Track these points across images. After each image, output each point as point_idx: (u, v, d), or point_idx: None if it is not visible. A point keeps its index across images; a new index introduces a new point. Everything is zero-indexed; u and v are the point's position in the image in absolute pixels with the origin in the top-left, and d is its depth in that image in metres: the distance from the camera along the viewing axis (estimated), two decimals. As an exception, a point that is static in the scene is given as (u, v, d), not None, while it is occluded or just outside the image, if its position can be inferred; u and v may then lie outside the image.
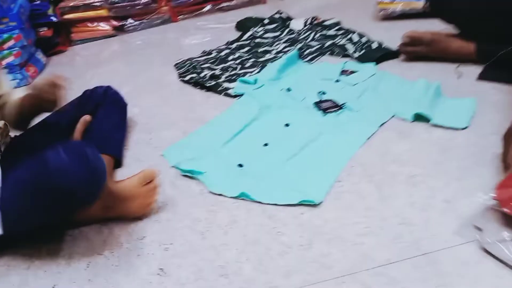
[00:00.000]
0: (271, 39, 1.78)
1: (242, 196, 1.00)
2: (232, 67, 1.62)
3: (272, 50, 1.70)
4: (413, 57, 1.41)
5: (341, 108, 1.24)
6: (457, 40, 1.36)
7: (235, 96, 1.44)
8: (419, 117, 1.14)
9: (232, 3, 2.19)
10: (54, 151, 0.85)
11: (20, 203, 0.86)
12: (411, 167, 1.01)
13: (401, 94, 1.25)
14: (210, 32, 2.03)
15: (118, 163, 1.19)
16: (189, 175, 1.11)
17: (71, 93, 1.24)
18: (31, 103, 1.11)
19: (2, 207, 0.85)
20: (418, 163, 1.03)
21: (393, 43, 1.49)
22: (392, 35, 1.54)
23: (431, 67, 1.38)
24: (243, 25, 1.95)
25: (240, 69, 1.60)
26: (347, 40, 1.62)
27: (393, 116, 1.18)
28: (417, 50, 1.39)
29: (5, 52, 1.84)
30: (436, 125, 1.12)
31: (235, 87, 1.47)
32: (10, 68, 1.85)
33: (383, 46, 1.53)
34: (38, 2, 2.04)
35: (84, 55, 2.08)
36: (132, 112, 1.38)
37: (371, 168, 1.03)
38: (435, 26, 1.46)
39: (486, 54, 1.29)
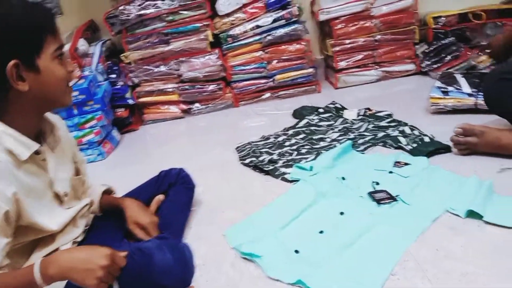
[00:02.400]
0: (326, 128, 1.91)
1: (299, 283, 1.06)
2: (288, 153, 1.74)
3: (327, 138, 1.81)
4: (465, 151, 1.47)
5: (395, 200, 1.30)
6: (509, 133, 1.40)
7: (291, 181, 1.54)
8: (472, 214, 1.18)
9: (289, 91, 2.37)
10: (159, 250, 0.99)
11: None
12: (464, 264, 1.04)
13: (453, 189, 1.29)
14: (268, 118, 2.20)
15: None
16: (248, 257, 1.19)
17: (143, 167, 1.40)
18: (116, 210, 1.24)
19: None
20: (471, 260, 1.05)
21: (445, 137, 1.55)
22: (443, 129, 1.61)
23: (483, 162, 1.42)
24: (299, 113, 2.10)
25: (296, 155, 1.72)
26: (399, 132, 1.71)
27: (445, 211, 1.22)
28: (469, 141, 1.44)
29: (87, 130, 2.08)
30: (488, 223, 1.15)
31: (291, 172, 1.58)
32: (90, 144, 2.08)
33: (435, 140, 1.60)
34: (119, 86, 2.31)
35: (153, 134, 2.30)
36: (196, 190, 1.50)
37: (425, 263, 1.07)
38: (487, 122, 1.53)
39: None
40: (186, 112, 2.40)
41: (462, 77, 1.91)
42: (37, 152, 0.99)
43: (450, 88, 1.84)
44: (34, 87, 0.95)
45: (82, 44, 2.25)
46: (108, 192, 1.31)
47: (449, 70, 2.12)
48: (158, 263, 0.98)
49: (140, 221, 1.21)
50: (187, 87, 2.34)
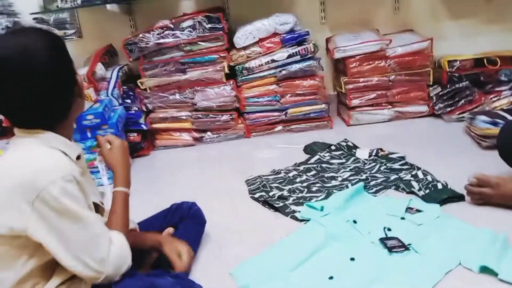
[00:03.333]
0: (337, 166, 1.91)
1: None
2: (299, 190, 1.74)
3: (338, 177, 1.81)
4: (479, 201, 1.46)
5: (407, 248, 1.29)
6: None
7: (301, 220, 1.53)
8: (486, 269, 1.16)
9: (301, 126, 2.38)
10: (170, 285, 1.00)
11: None
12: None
13: (467, 242, 1.28)
14: (279, 151, 2.20)
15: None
16: (256, 299, 1.17)
17: (152, 194, 1.40)
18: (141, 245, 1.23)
19: None
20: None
21: (459, 184, 1.54)
22: (458, 175, 1.60)
23: (498, 213, 1.41)
24: (310, 149, 2.10)
25: (307, 192, 1.71)
26: (412, 176, 1.70)
27: (458, 265, 1.20)
28: (483, 192, 1.43)
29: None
30: (503, 280, 1.13)
31: (302, 211, 1.57)
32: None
33: (448, 187, 1.59)
34: (133, 111, 2.34)
35: (164, 160, 2.31)
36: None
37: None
38: (504, 172, 1.52)
39: None
40: (198, 140, 2.41)
41: (504, 111, 1.92)
42: (77, 157, 1.06)
43: (498, 120, 1.85)
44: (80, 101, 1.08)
45: (100, 68, 2.29)
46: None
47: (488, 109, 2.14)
48: None
49: (179, 248, 1.23)
50: (200, 115, 2.36)
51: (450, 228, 1.36)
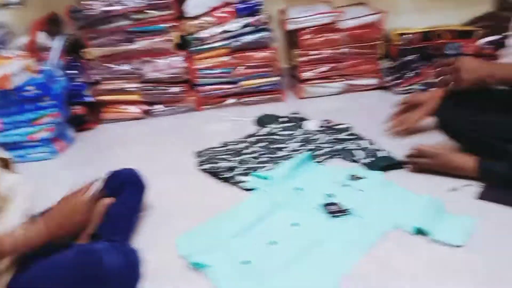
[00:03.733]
0: (286, 137, 1.90)
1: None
2: (247, 161, 1.72)
3: (287, 147, 1.81)
4: (418, 169, 1.50)
5: (347, 213, 1.31)
6: (461, 156, 1.44)
7: (249, 190, 1.52)
8: (420, 231, 1.19)
9: (254, 98, 2.35)
10: (109, 253, 1.00)
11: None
12: (410, 281, 1.05)
13: (405, 206, 1.31)
14: (231, 124, 2.17)
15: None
16: (198, 267, 1.16)
17: (96, 168, 1.36)
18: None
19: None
20: (417, 277, 1.06)
21: (402, 152, 1.58)
22: (401, 143, 1.66)
23: (436, 180, 1.45)
24: (261, 121, 2.09)
25: (255, 163, 1.70)
26: (357, 145, 1.72)
27: (396, 228, 1.23)
28: (422, 162, 1.48)
29: (40, 127, 1.99)
30: (436, 241, 1.17)
31: (249, 181, 1.56)
32: (42, 141, 2.00)
33: (390, 156, 1.62)
34: (78, 83, 2.24)
35: (111, 134, 2.23)
36: (150, 194, 1.46)
37: (371, 278, 1.07)
38: (441, 140, 1.57)
39: (487, 173, 1.37)
40: (147, 113, 2.34)
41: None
42: None
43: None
44: None
45: (41, 38, 2.16)
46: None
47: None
48: (107, 266, 0.98)
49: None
50: (149, 87, 2.29)
51: (390, 194, 1.39)
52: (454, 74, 1.48)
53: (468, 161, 1.41)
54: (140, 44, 2.23)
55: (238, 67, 2.29)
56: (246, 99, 2.36)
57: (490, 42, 2.26)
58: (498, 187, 1.33)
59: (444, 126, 1.56)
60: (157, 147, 2.01)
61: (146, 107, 2.33)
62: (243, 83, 2.31)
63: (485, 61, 1.48)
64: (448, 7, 2.48)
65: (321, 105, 2.28)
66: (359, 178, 1.49)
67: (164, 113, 2.34)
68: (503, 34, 2.15)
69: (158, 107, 2.33)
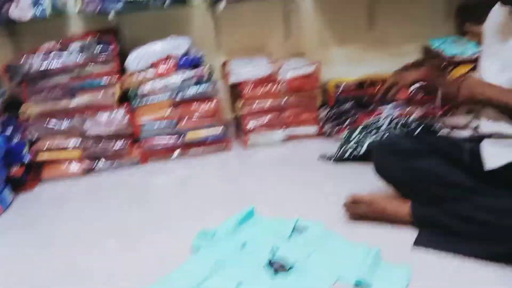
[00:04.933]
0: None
1: None
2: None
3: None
4: (355, 217, 1.55)
5: (291, 268, 1.32)
6: (395, 203, 1.49)
7: (195, 248, 1.50)
8: (361, 283, 1.22)
9: (199, 150, 2.36)
10: None
11: None
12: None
13: (345, 257, 1.34)
14: (177, 177, 2.16)
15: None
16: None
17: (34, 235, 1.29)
18: None
19: None
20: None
21: (341, 198, 1.60)
22: (339, 190, 1.70)
23: (373, 229, 1.49)
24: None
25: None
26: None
27: (337, 280, 1.25)
28: (358, 210, 1.53)
29: (-27, 189, 1.89)
30: (376, 292, 1.19)
31: (195, 239, 1.54)
32: (-25, 206, 1.89)
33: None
34: (15, 142, 2.15)
35: (51, 194, 2.13)
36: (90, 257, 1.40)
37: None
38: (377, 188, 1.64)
39: (420, 219, 1.42)
40: (89, 170, 2.28)
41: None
42: None
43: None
44: None
45: (-26, 95, 2.09)
46: None
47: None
48: None
49: None
50: (90, 143, 2.25)
51: (331, 244, 1.42)
52: (452, 88, 1.37)
53: (402, 207, 1.46)
54: (81, 99, 2.21)
55: (182, 120, 2.31)
56: (192, 150, 2.36)
57: (419, 88, 2.42)
58: (432, 233, 1.39)
59: (380, 171, 1.62)
60: (99, 205, 1.95)
61: (88, 164, 2.27)
62: (188, 135, 2.33)
63: (488, 83, 1.35)
64: (381, 57, 2.66)
65: (266, 154, 2.33)
66: (302, 229, 1.51)
67: (107, 169, 2.29)
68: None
69: (101, 163, 2.29)
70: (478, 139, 1.39)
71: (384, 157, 1.56)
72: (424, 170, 1.45)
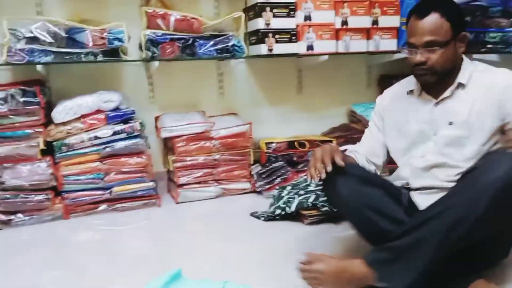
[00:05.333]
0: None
1: None
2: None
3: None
4: (313, 281, 1.40)
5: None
6: (353, 261, 1.39)
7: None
8: None
9: (128, 204, 2.29)
10: None
11: None
12: None
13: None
14: (102, 233, 2.06)
15: None
16: None
17: None
18: None
19: None
20: None
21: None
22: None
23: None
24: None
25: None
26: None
27: None
28: (315, 268, 1.39)
29: None
30: None
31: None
32: None
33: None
34: None
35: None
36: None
37: None
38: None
39: (376, 262, 1.35)
40: (6, 223, 2.11)
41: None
42: None
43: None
44: None
45: None
46: None
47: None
48: None
49: None
50: (8, 195, 2.10)
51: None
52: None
53: (360, 264, 1.36)
54: (1, 150, 2.08)
55: (110, 173, 2.24)
56: (119, 205, 2.28)
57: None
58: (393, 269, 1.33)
59: (328, 190, 1.56)
60: (15, 263, 1.79)
61: (4, 217, 2.11)
62: (115, 189, 2.25)
63: (337, 148, 1.48)
64: (309, 119, 2.82)
65: (197, 209, 2.31)
66: (230, 292, 1.49)
67: (26, 222, 2.13)
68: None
69: (19, 217, 2.13)
70: (407, 189, 1.56)
71: (335, 177, 1.47)
72: (371, 197, 1.47)
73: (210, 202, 2.41)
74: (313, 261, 1.40)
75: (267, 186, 2.42)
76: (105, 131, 2.21)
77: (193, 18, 2.30)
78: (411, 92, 1.60)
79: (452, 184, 1.41)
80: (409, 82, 1.62)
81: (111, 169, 2.24)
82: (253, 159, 2.49)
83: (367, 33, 2.58)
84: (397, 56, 2.64)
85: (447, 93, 1.50)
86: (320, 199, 2.01)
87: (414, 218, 1.38)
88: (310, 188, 2.12)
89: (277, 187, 2.29)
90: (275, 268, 1.62)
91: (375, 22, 2.58)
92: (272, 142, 2.50)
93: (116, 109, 2.25)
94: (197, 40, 2.33)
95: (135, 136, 2.27)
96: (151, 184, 2.32)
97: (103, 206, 2.26)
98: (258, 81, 2.75)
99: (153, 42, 2.26)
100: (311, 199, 2.03)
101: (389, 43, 2.63)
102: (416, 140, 1.57)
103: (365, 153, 1.67)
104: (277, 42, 2.43)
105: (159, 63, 2.31)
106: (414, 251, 1.32)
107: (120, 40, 2.19)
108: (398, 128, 1.62)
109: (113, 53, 2.23)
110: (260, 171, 2.45)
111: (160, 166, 2.55)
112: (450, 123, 1.49)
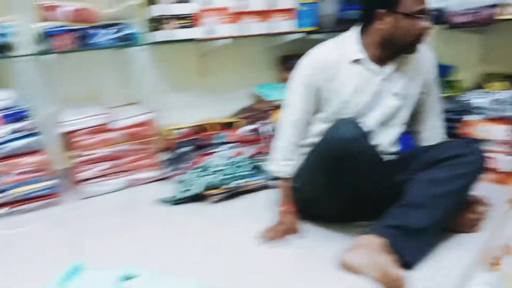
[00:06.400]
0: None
1: None
2: None
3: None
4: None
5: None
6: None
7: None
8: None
9: (28, 205, 2.18)
10: None
11: None
12: None
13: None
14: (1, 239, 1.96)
15: None
16: None
17: None
18: None
19: None
20: None
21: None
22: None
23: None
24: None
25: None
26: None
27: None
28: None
29: None
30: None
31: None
32: None
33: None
34: None
35: None
36: None
37: None
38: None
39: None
40: None
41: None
42: None
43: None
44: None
45: None
46: None
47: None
48: None
49: None
50: None
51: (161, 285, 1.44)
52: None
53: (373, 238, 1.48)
54: None
55: (6, 175, 2.13)
56: (19, 207, 2.18)
57: (251, 130, 2.66)
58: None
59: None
60: None
61: None
62: (12, 191, 2.14)
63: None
64: (215, 102, 2.85)
65: (104, 203, 2.27)
66: (131, 277, 1.50)
67: None
68: (259, 122, 2.57)
69: None
70: None
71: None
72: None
73: (117, 194, 2.37)
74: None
75: (175, 172, 2.43)
76: (1, 131, 2.09)
77: (88, 8, 2.24)
78: (357, 61, 1.60)
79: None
80: (348, 50, 1.60)
81: (7, 171, 2.13)
82: (161, 146, 2.49)
83: (265, 15, 2.64)
84: (294, 36, 2.74)
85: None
86: (226, 177, 2.09)
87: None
88: (215, 169, 2.18)
89: (184, 171, 2.32)
90: (180, 251, 1.66)
91: (272, 4, 2.64)
92: (177, 128, 2.51)
93: (9, 108, 2.14)
94: (93, 30, 2.27)
95: (31, 135, 2.17)
96: (51, 182, 2.23)
97: (3, 210, 2.15)
98: (161, 69, 2.72)
99: (47, 35, 2.17)
100: (218, 179, 2.10)
101: (287, 24, 2.71)
102: (361, 111, 1.63)
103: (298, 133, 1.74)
104: (177, 27, 2.42)
105: (56, 56, 2.22)
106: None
107: (6, 35, 2.09)
108: (341, 97, 1.62)
109: (1, 50, 2.12)
110: (167, 158, 2.46)
111: (60, 164, 2.45)
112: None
